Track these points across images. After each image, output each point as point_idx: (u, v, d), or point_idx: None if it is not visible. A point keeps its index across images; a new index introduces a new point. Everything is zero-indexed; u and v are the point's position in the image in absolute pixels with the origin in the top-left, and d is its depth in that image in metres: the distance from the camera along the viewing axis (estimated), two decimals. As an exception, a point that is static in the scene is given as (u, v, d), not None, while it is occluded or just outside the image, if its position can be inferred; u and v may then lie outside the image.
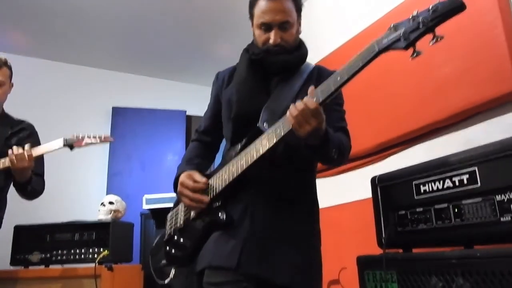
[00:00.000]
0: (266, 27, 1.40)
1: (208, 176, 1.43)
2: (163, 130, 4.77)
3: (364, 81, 2.49)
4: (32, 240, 2.80)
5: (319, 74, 1.47)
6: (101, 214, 3.16)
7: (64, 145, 2.16)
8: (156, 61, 4.72)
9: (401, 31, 1.03)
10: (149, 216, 3.56)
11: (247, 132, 1.35)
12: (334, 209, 2.66)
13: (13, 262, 2.77)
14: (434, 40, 1.01)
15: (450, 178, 1.35)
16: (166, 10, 3.76)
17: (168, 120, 4.82)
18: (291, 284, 1.28)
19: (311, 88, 1.18)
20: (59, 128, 3.04)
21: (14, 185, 2.24)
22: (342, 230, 2.57)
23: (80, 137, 2.18)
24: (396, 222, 1.52)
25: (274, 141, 1.21)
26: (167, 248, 1.52)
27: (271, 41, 1.39)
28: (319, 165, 1.53)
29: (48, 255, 2.76)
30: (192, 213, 1.43)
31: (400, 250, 1.50)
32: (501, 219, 1.19)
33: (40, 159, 2.27)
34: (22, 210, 2.80)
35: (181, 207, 1.52)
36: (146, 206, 3.27)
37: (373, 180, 1.66)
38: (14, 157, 2.03)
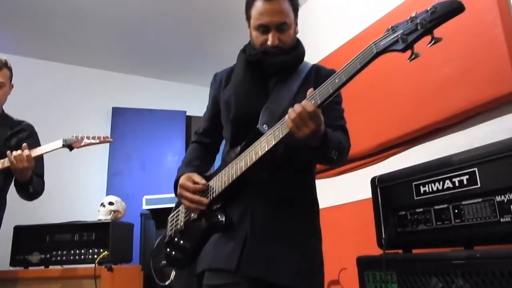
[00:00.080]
0: (264, 28, 1.39)
1: (208, 178, 1.44)
2: (163, 130, 4.77)
3: (364, 82, 2.49)
4: (31, 241, 2.80)
5: (317, 73, 1.47)
6: (101, 215, 3.16)
7: (63, 146, 2.16)
8: (156, 61, 4.72)
9: (399, 32, 1.02)
10: (149, 217, 3.56)
11: (247, 133, 1.35)
12: (334, 210, 2.66)
13: (13, 262, 2.77)
14: (432, 42, 1.00)
15: (450, 178, 1.35)
16: (166, 10, 3.76)
17: (168, 121, 4.81)
18: (292, 285, 1.28)
19: (309, 91, 1.18)
20: (59, 128, 3.04)
21: (15, 186, 2.24)
22: (342, 230, 2.57)
23: (79, 138, 2.18)
24: (396, 223, 1.52)
25: (273, 144, 1.21)
26: (168, 249, 1.52)
27: (269, 42, 1.38)
28: (319, 165, 1.53)
29: (48, 255, 2.76)
30: (192, 215, 1.44)
31: (400, 251, 1.50)
32: (501, 219, 1.19)
33: (40, 159, 2.27)
34: (21, 211, 2.80)
35: (181, 208, 1.52)
36: (146, 207, 3.27)
37: (373, 180, 1.66)
38: (13, 158, 2.03)
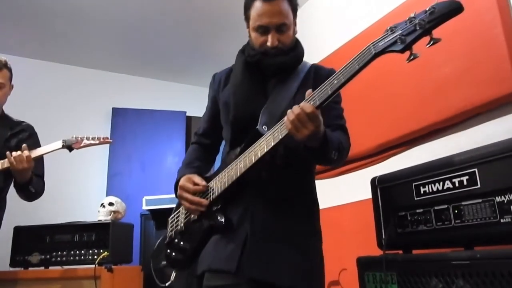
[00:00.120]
0: (263, 29, 1.38)
1: (208, 179, 1.44)
2: (163, 131, 4.77)
3: (364, 82, 2.49)
4: (31, 241, 2.80)
5: (316, 73, 1.47)
6: (101, 215, 3.16)
7: (63, 147, 2.16)
8: (156, 62, 4.72)
9: (397, 33, 1.02)
10: (149, 217, 3.56)
11: (246, 135, 1.35)
12: (334, 210, 2.65)
13: (13, 263, 2.77)
14: (431, 43, 0.99)
15: (450, 179, 1.34)
16: (166, 11, 3.76)
17: (168, 121, 4.81)
18: (292, 286, 1.28)
19: (308, 92, 1.17)
20: (59, 129, 3.05)
21: (14, 186, 2.24)
22: (342, 231, 2.57)
23: (79, 139, 2.18)
24: (396, 223, 1.52)
25: (272, 145, 1.21)
26: (168, 251, 1.52)
27: (268, 43, 1.37)
28: (319, 166, 1.53)
29: (48, 256, 2.76)
30: (192, 216, 1.44)
31: (400, 251, 1.50)
32: (501, 220, 1.19)
33: (40, 160, 2.27)
34: (21, 211, 2.80)
35: (182, 209, 1.52)
36: (146, 207, 3.27)
37: (373, 181, 1.66)
38: (13, 159, 2.03)
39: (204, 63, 4.62)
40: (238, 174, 1.30)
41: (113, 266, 2.62)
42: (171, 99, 5.02)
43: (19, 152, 2.05)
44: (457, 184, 1.32)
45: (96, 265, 2.58)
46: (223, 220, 1.32)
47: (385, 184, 1.60)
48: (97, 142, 2.22)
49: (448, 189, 1.35)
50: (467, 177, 1.30)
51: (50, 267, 2.74)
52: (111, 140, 2.29)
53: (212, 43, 4.31)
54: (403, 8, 2.32)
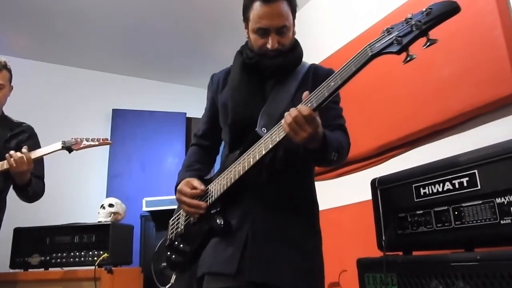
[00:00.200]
0: (263, 32, 1.37)
1: (208, 182, 1.44)
2: (163, 132, 4.77)
3: (364, 83, 2.49)
4: (31, 243, 2.80)
5: (315, 73, 1.46)
6: (101, 217, 3.16)
7: (63, 148, 2.16)
8: (156, 63, 4.73)
9: (394, 34, 1.01)
10: (149, 219, 3.56)
11: (245, 137, 1.35)
12: (335, 211, 2.65)
13: (13, 265, 2.77)
14: (428, 44, 0.98)
15: (450, 180, 1.34)
16: (166, 12, 3.76)
17: (168, 122, 4.81)
18: (293, 287, 1.28)
19: (305, 94, 1.17)
20: (59, 130, 3.05)
21: (14, 188, 2.24)
22: (342, 232, 2.57)
23: (78, 140, 2.18)
24: (396, 225, 1.52)
25: (270, 147, 1.21)
26: (168, 253, 1.52)
27: (269, 46, 1.36)
28: (319, 167, 1.53)
29: (48, 257, 2.76)
30: (192, 219, 1.44)
31: (400, 253, 1.50)
32: (501, 221, 1.18)
33: (40, 161, 2.27)
34: (21, 213, 2.80)
35: (182, 212, 1.53)
36: (146, 209, 3.27)
37: (373, 182, 1.66)
38: (12, 161, 2.03)
39: (204, 64, 4.63)
40: (237, 177, 1.30)
41: (113, 268, 2.62)
42: (171, 100, 5.02)
43: (18, 154, 2.04)
44: (457, 186, 1.32)
45: (96, 267, 2.58)
46: (222, 222, 1.32)
47: (385, 186, 1.60)
48: (97, 143, 2.22)
49: (448, 190, 1.35)
50: (467, 178, 1.29)
51: (50, 269, 2.74)
52: (110, 142, 2.29)
53: (212, 44, 4.32)
54: (404, 9, 2.32)
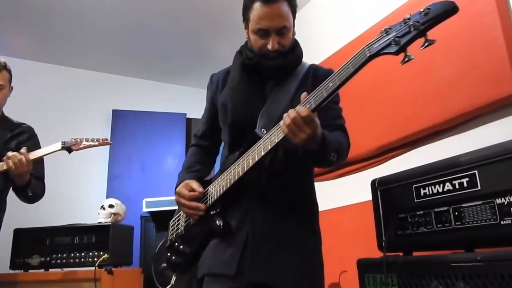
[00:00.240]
0: (263, 32, 1.36)
1: (208, 183, 1.44)
2: (163, 132, 4.77)
3: (365, 84, 2.50)
4: (32, 244, 2.80)
5: (315, 73, 1.46)
6: (101, 217, 3.16)
7: (62, 148, 2.16)
8: (156, 64, 4.73)
9: (392, 35, 1.00)
10: (149, 219, 3.56)
11: (245, 138, 1.34)
12: (335, 212, 2.65)
13: (13, 265, 2.77)
14: (426, 45, 0.97)
15: (450, 181, 1.34)
16: (166, 13, 3.76)
17: (168, 123, 4.81)
18: (293, 287, 1.28)
19: (303, 95, 1.16)
20: (59, 131, 3.05)
21: (13, 189, 2.23)
22: (342, 233, 2.57)
23: (78, 140, 2.18)
24: (396, 225, 1.51)
25: (269, 149, 1.21)
26: (168, 254, 1.52)
27: (269, 47, 1.36)
28: (319, 168, 1.53)
29: (48, 258, 2.75)
30: (192, 220, 1.44)
31: (401, 253, 1.50)
32: (502, 222, 1.18)
33: (40, 162, 2.27)
34: (22, 213, 2.80)
35: (182, 213, 1.53)
36: (146, 209, 3.27)
37: (373, 183, 1.66)
38: (11, 163, 2.02)
39: (204, 65, 4.63)
40: (236, 178, 1.30)
41: (113, 269, 2.62)
42: (171, 101, 5.02)
43: (17, 155, 2.03)
44: (457, 186, 1.32)
45: (96, 268, 2.58)
46: (221, 223, 1.32)
47: (385, 186, 1.60)
48: (97, 143, 2.22)
49: (448, 191, 1.35)
50: (467, 179, 1.29)
51: (50, 270, 2.74)
52: (110, 142, 2.29)
53: (212, 44, 4.32)
54: (404, 9, 2.32)
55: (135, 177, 4.52)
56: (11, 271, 2.76)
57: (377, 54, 1.03)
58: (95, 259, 2.67)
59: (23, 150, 2.06)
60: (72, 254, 2.75)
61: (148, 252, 3.52)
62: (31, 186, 2.17)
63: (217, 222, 1.33)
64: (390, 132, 2.35)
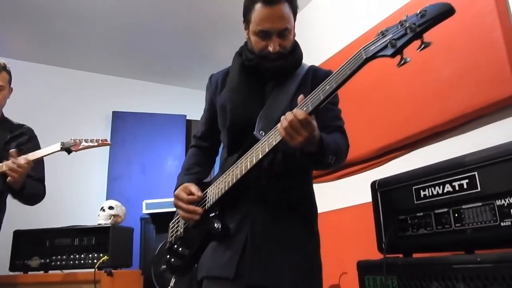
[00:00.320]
0: (265, 34, 1.35)
1: (207, 185, 1.44)
2: (163, 134, 4.77)
3: (364, 85, 2.50)
4: (31, 245, 2.80)
5: (314, 75, 1.45)
6: (101, 219, 3.16)
7: (61, 149, 2.15)
8: (156, 65, 4.73)
9: (388, 37, 0.99)
10: (149, 221, 3.55)
11: (244, 140, 1.34)
12: (335, 213, 2.65)
13: (12, 267, 2.76)
14: (422, 47, 0.96)
15: (450, 182, 1.34)
16: (166, 14, 3.77)
17: (168, 125, 4.81)
18: (293, 286, 1.28)
19: (300, 98, 1.16)
20: (59, 132, 3.04)
21: (8, 191, 2.20)
22: (342, 234, 2.56)
23: (77, 141, 2.17)
24: (396, 227, 1.51)
25: (267, 151, 1.21)
26: (168, 256, 1.52)
27: (270, 49, 1.35)
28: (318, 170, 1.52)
29: (48, 260, 2.75)
30: (191, 222, 1.44)
31: (401, 255, 1.50)
32: (501, 223, 1.18)
33: (40, 164, 2.27)
34: (21, 215, 2.80)
35: None
36: (146, 211, 3.27)
37: (373, 184, 1.66)
38: (17, 176, 2.01)
39: (204, 66, 4.63)
40: (234, 181, 1.30)
41: (113, 270, 2.61)
42: (171, 102, 5.03)
43: (21, 164, 2.02)
44: (457, 188, 1.32)
45: (96, 269, 2.58)
46: (219, 226, 1.32)
47: (385, 188, 1.60)
48: (96, 144, 2.22)
49: (448, 192, 1.34)
50: (467, 180, 1.29)
51: (50, 271, 2.74)
52: (109, 143, 2.28)
53: (212, 46, 4.32)
54: (405, 10, 2.29)
55: (135, 179, 4.52)
56: (11, 273, 2.76)
57: (374, 56, 1.02)
58: (95, 261, 2.67)
59: (22, 160, 2.04)
60: (71, 256, 2.75)
61: (148, 254, 3.52)
62: (25, 187, 2.16)
63: (215, 224, 1.33)
64: (390, 134, 2.35)
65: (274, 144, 1.19)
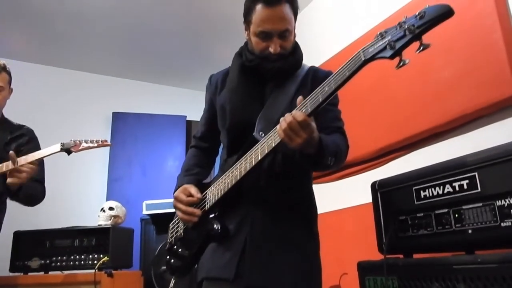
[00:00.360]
0: (266, 35, 1.35)
1: (207, 186, 1.44)
2: (164, 135, 4.77)
3: (364, 86, 2.50)
4: (31, 246, 2.80)
5: (314, 76, 1.45)
6: (101, 220, 3.16)
7: (61, 150, 2.15)
8: (156, 66, 4.74)
9: (387, 39, 0.99)
10: (149, 222, 3.55)
11: (243, 141, 1.34)
12: (335, 214, 2.65)
13: (13, 268, 2.76)
14: (421, 49, 0.95)
15: (450, 183, 1.34)
16: (166, 15, 3.77)
17: (168, 125, 4.81)
18: (293, 286, 1.28)
19: (299, 99, 1.16)
20: (59, 133, 3.04)
21: (6, 191, 2.20)
22: (342, 235, 2.56)
23: (77, 142, 2.17)
24: (396, 228, 1.51)
25: (266, 153, 1.21)
26: (168, 257, 1.52)
27: (271, 50, 1.35)
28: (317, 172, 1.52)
29: (48, 261, 2.75)
30: (190, 223, 1.44)
31: (401, 256, 1.50)
32: (502, 224, 1.18)
33: (40, 165, 2.26)
34: (21, 216, 2.79)
35: None
36: (146, 212, 3.27)
37: (373, 185, 1.66)
38: (25, 176, 2.02)
39: (205, 67, 4.61)
40: (234, 182, 1.30)
41: (113, 271, 2.61)
42: (171, 103, 5.03)
43: (27, 166, 2.02)
44: (457, 188, 1.32)
45: (96, 270, 2.57)
46: (219, 227, 1.33)
47: (385, 188, 1.60)
48: (96, 145, 2.21)
49: (449, 193, 1.35)
50: (467, 181, 1.29)
51: (50, 272, 2.74)
52: (110, 143, 2.28)
53: (213, 47, 4.33)
54: (405, 10, 2.29)
55: (135, 180, 4.52)
56: (11, 274, 2.75)
57: (372, 58, 1.02)
58: (95, 261, 2.67)
59: (26, 167, 2.04)
60: (72, 257, 2.75)
61: (148, 255, 3.52)
62: (22, 189, 2.15)
63: (215, 225, 1.33)
64: (390, 134, 2.35)
65: (273, 145, 1.19)
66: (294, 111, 1.13)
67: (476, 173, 1.27)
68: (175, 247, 1.49)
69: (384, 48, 0.99)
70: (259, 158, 1.22)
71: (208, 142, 1.63)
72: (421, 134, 2.18)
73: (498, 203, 1.20)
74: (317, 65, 1.58)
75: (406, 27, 0.96)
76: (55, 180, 2.80)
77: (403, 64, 0.98)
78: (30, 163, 2.04)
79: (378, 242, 1.58)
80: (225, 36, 4.05)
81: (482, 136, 1.90)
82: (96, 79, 4.78)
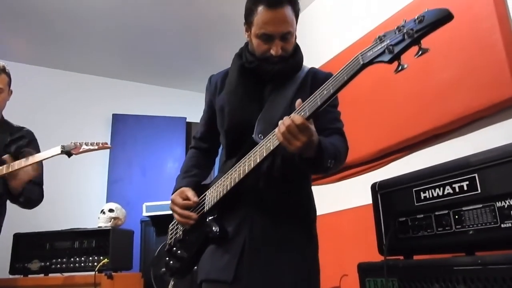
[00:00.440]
0: (267, 37, 1.34)
1: (206, 187, 1.44)
2: (163, 136, 4.78)
3: (364, 87, 2.50)
4: (31, 248, 2.79)
5: (314, 77, 1.45)
6: (101, 222, 3.15)
7: (62, 152, 2.15)
8: (156, 68, 4.74)
9: (386, 43, 0.98)
10: (149, 224, 3.55)
11: (242, 142, 1.34)
12: (335, 216, 2.65)
13: (12, 270, 2.75)
14: (420, 53, 0.94)
15: (450, 184, 1.34)
16: (166, 17, 3.77)
17: (168, 127, 4.82)
18: (293, 286, 1.28)
19: (298, 102, 1.15)
20: (59, 135, 3.05)
21: (6, 194, 2.20)
22: (342, 236, 2.56)
23: (77, 144, 2.17)
24: (396, 229, 1.51)
25: (264, 156, 1.20)
26: (167, 258, 1.52)
27: (273, 52, 1.34)
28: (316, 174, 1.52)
29: (48, 263, 2.74)
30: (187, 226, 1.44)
31: (401, 257, 1.50)
32: (502, 225, 1.18)
33: (39, 167, 2.26)
34: (21, 218, 2.79)
35: None
36: (146, 213, 3.27)
37: (373, 186, 1.66)
38: (13, 184, 2.02)
39: (204, 69, 4.60)
40: (233, 184, 1.30)
41: (113, 273, 2.61)
42: (171, 105, 5.03)
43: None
44: (457, 190, 1.32)
45: (96, 272, 2.57)
46: (217, 229, 1.33)
47: (385, 190, 1.60)
48: (96, 147, 2.22)
49: (449, 194, 1.35)
50: (467, 182, 1.29)
51: (50, 275, 2.73)
52: (110, 146, 2.29)
53: (213, 49, 4.33)
54: (405, 12, 2.32)
55: (135, 181, 4.52)
56: (11, 276, 2.75)
57: (371, 62, 1.01)
58: (95, 263, 2.66)
59: (28, 171, 2.05)
60: (72, 259, 2.74)
61: (148, 257, 3.52)
62: (24, 192, 2.15)
63: (213, 228, 1.33)
64: (390, 136, 2.36)
65: (271, 148, 1.18)
66: (292, 114, 1.13)
67: (476, 174, 1.27)
68: (174, 248, 1.49)
69: (383, 52, 0.98)
70: (258, 161, 1.22)
71: (208, 143, 1.63)
72: (421, 135, 2.18)
73: (498, 204, 1.20)
74: (317, 66, 1.58)
75: (405, 31, 0.95)
76: (55, 182, 2.80)
77: (402, 69, 0.97)
78: (31, 166, 2.04)
79: (378, 244, 1.58)
80: (225, 37, 4.05)
81: (482, 137, 1.90)
82: (96, 81, 4.78)
